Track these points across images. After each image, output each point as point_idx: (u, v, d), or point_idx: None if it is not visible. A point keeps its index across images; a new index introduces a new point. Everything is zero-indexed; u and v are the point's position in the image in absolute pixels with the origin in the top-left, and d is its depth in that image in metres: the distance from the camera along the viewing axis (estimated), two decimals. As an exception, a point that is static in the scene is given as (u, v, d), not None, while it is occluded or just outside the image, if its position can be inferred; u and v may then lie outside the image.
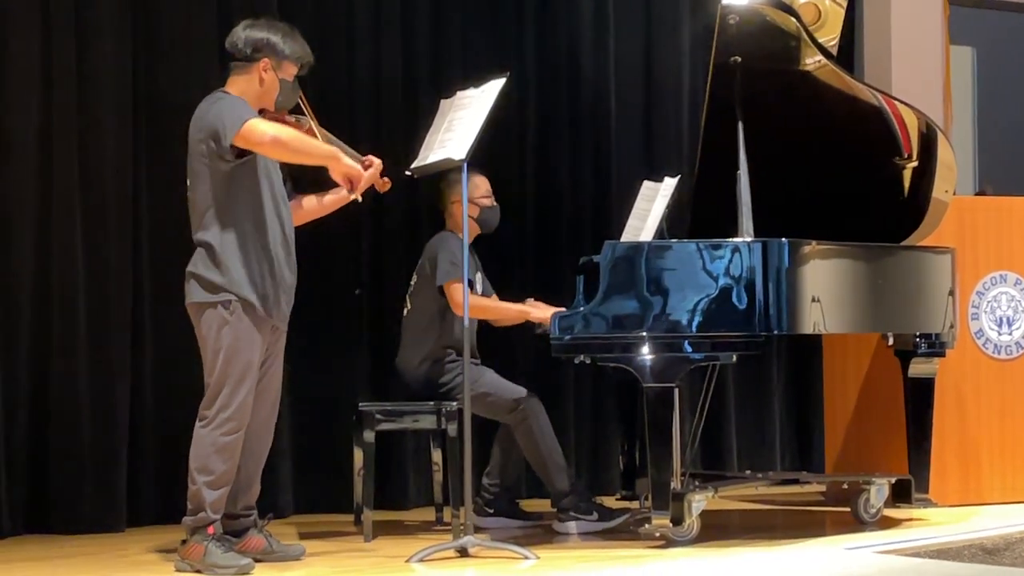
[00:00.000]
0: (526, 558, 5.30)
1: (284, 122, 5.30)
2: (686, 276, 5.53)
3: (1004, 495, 6.69)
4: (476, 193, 6.22)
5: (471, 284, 5.83)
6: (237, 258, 5.13)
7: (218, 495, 5.12)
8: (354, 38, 7.06)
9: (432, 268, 6.09)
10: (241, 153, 5.10)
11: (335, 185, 5.38)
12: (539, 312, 6.07)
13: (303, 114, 5.36)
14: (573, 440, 7.35)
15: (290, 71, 5.30)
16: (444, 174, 6.04)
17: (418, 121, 6.40)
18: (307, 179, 5.62)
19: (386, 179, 5.51)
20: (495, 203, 6.29)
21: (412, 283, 6.28)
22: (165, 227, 6.33)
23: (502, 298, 6.30)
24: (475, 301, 5.76)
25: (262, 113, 5.24)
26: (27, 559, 5.64)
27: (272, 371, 5.33)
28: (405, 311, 6.28)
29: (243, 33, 5.27)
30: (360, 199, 5.35)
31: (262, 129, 5.06)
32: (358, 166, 5.26)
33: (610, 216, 7.36)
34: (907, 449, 6.22)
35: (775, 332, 5.55)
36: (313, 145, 5.23)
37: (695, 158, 6.50)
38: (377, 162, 5.42)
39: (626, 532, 5.99)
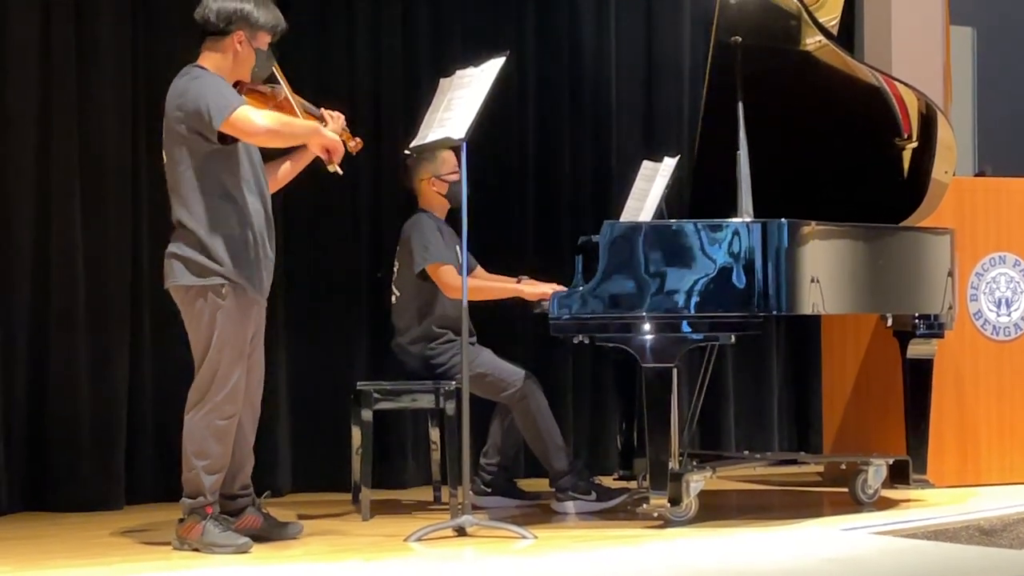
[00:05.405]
0: (523, 537, 5.30)
1: (259, 92, 5.22)
2: (685, 256, 5.51)
3: (1002, 476, 6.70)
4: (444, 169, 6.16)
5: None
6: (222, 240, 5.05)
7: (216, 479, 5.11)
8: (354, 15, 7.03)
9: (410, 255, 6.06)
10: (227, 138, 5.02)
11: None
12: (532, 289, 6.06)
13: (277, 83, 5.28)
14: (571, 420, 7.34)
15: (264, 40, 5.20)
16: (409, 154, 5.99)
17: (418, 99, 6.38)
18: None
19: (358, 139, 5.43)
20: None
21: (395, 270, 6.24)
22: (165, 203, 6.26)
23: (498, 274, 6.28)
24: (469, 283, 5.68)
25: (237, 86, 5.17)
26: (25, 536, 5.64)
27: (257, 347, 5.29)
28: (393, 299, 6.25)
29: (214, 5, 5.14)
30: (341, 171, 5.21)
31: (255, 122, 4.98)
32: (336, 137, 5.18)
33: (610, 196, 7.35)
34: (905, 430, 6.22)
35: (774, 312, 5.54)
36: (297, 126, 5.15)
37: (695, 138, 6.49)
38: (338, 115, 5.35)
39: (624, 512, 5.99)
